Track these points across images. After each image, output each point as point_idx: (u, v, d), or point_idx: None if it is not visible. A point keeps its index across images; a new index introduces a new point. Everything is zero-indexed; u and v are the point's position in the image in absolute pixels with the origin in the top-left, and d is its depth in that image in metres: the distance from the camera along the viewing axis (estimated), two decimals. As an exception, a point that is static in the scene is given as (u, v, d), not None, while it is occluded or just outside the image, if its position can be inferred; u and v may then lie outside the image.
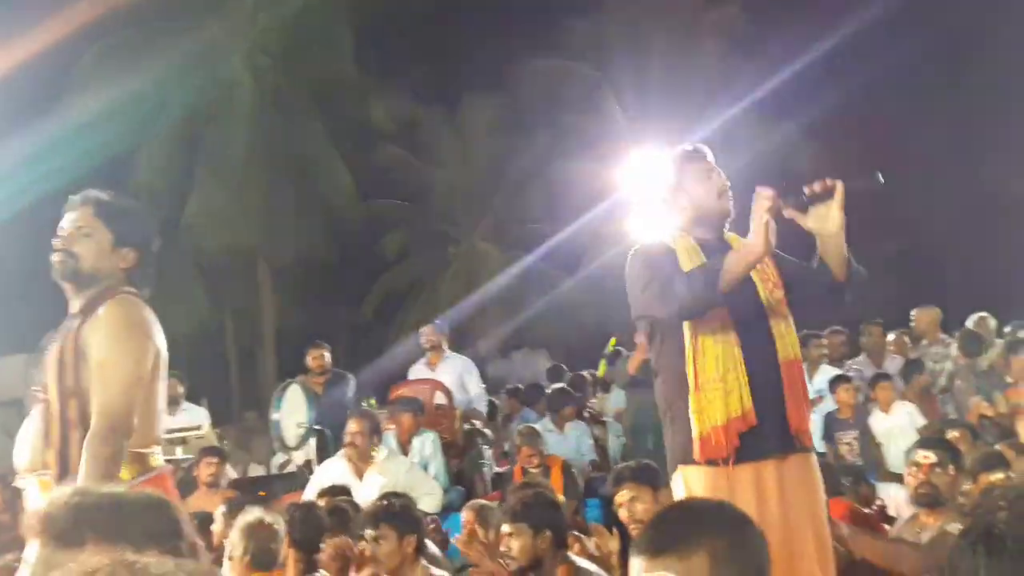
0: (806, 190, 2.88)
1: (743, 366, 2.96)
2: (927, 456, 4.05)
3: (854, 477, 5.88)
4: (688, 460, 2.97)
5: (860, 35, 11.75)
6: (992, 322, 8.18)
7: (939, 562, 3.64)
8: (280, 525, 3.60)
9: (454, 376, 7.42)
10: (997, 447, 4.99)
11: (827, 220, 2.90)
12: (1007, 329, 8.23)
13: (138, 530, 1.80)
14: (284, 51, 14.66)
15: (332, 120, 14.91)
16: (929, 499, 4.04)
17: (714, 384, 2.96)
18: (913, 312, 8.41)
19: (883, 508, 5.18)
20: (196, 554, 1.87)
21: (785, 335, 3.08)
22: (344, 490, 5.03)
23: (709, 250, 3.09)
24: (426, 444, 6.31)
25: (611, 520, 5.07)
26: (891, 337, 8.45)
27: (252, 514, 3.61)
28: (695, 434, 2.95)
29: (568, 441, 7.37)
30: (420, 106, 16.59)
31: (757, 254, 2.88)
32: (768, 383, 2.99)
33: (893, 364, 8.03)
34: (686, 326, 2.98)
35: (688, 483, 2.98)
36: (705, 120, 11.20)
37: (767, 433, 2.96)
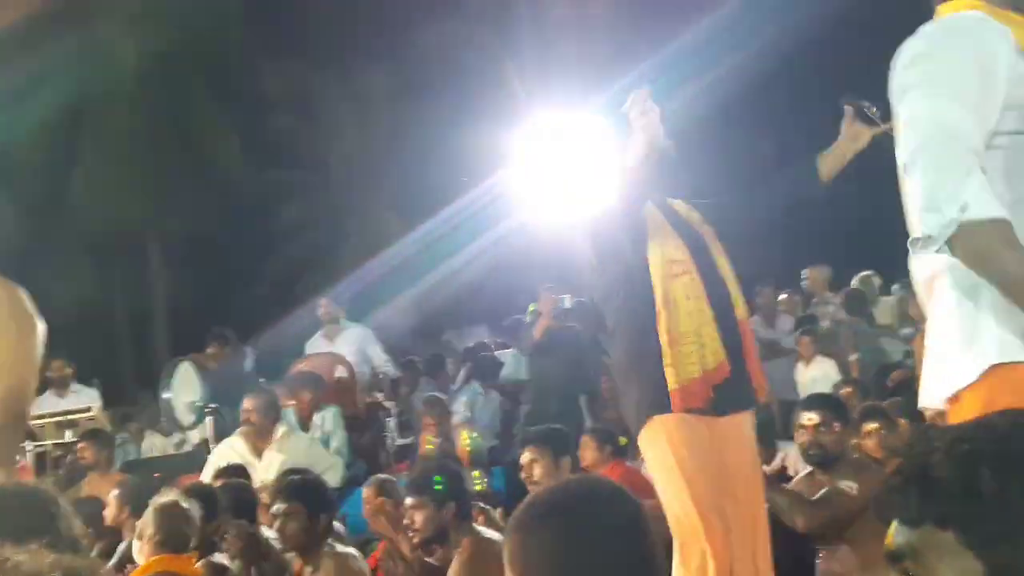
0: (868, 104, 3.13)
1: (713, 320, 3.10)
2: (811, 417, 4.17)
3: (762, 435, 6.02)
4: (663, 410, 3.08)
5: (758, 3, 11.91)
6: (877, 280, 8.48)
7: (831, 515, 3.77)
8: (195, 509, 3.54)
9: (354, 348, 7.34)
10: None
11: (859, 139, 3.21)
12: (895, 287, 8.52)
13: (14, 524, 1.72)
14: (168, 16, 14.14)
15: (221, 89, 14.50)
16: (818, 458, 4.16)
17: (689, 338, 3.08)
18: (805, 271, 8.66)
19: (784, 468, 5.31)
20: (76, 546, 1.80)
21: (738, 297, 3.26)
22: (241, 470, 4.94)
23: (665, 215, 3.28)
24: (327, 419, 6.23)
25: (516, 487, 5.10)
26: (783, 297, 8.70)
27: (166, 496, 3.56)
28: (672, 386, 3.05)
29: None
30: (314, 73, 16.22)
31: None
32: (733, 340, 3.15)
33: (785, 323, 8.25)
34: (657, 284, 3.08)
35: (668, 429, 3.07)
36: (603, 89, 11.21)
37: (737, 387, 3.14)
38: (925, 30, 2.08)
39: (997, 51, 1.98)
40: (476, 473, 5.38)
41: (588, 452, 5.03)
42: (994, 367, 1.96)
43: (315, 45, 15.54)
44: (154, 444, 7.61)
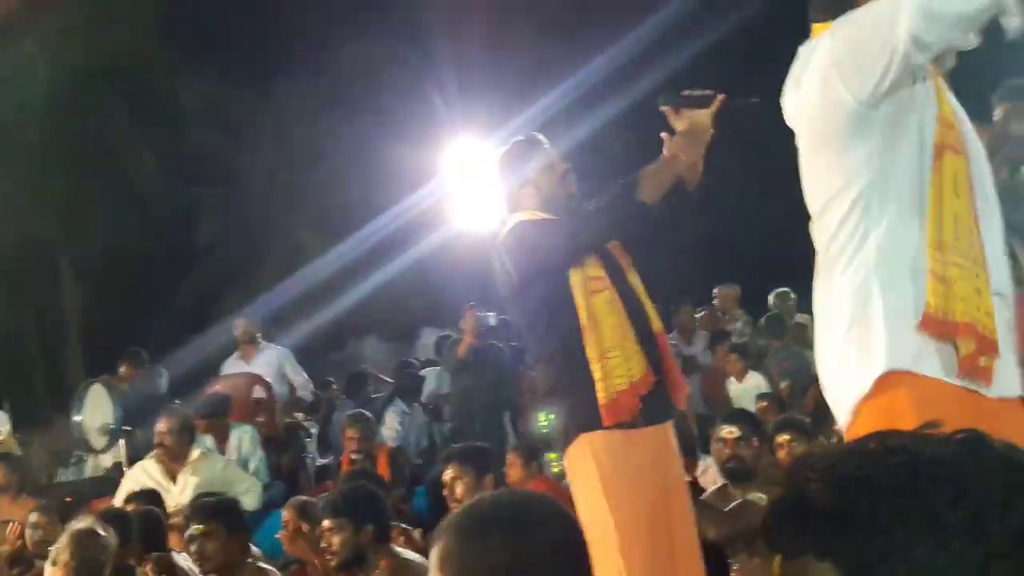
0: (685, 92, 3.12)
1: (633, 333, 3.14)
2: (731, 431, 4.27)
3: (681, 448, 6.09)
4: (591, 427, 3.09)
5: (677, 21, 12.11)
6: (792, 296, 8.70)
7: (740, 527, 3.83)
8: (111, 536, 3.46)
9: (272, 368, 7.24)
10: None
11: (698, 127, 3.11)
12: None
13: None
14: (83, 31, 13.81)
15: (137, 104, 14.19)
16: (736, 471, 4.25)
17: (615, 351, 3.11)
18: (715, 290, 8.89)
19: (695, 481, 5.37)
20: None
21: (652, 311, 3.31)
22: (154, 495, 4.83)
23: None
24: (243, 440, 6.13)
25: (439, 506, 5.08)
26: (699, 315, 8.90)
27: (83, 521, 3.52)
28: (601, 401, 3.07)
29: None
30: (233, 88, 16.00)
31: (679, 163, 3.14)
32: (652, 352, 3.19)
33: (702, 340, 8.43)
34: (580, 301, 3.11)
35: (595, 448, 3.09)
36: (523, 106, 11.27)
37: (659, 398, 3.18)
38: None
39: None
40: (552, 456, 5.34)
41: (514, 469, 5.05)
42: (888, 375, 2.00)
43: (234, 60, 15.34)
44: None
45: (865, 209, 2.07)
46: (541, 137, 3.45)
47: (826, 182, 2.14)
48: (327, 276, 13.38)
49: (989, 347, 2.02)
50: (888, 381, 2.00)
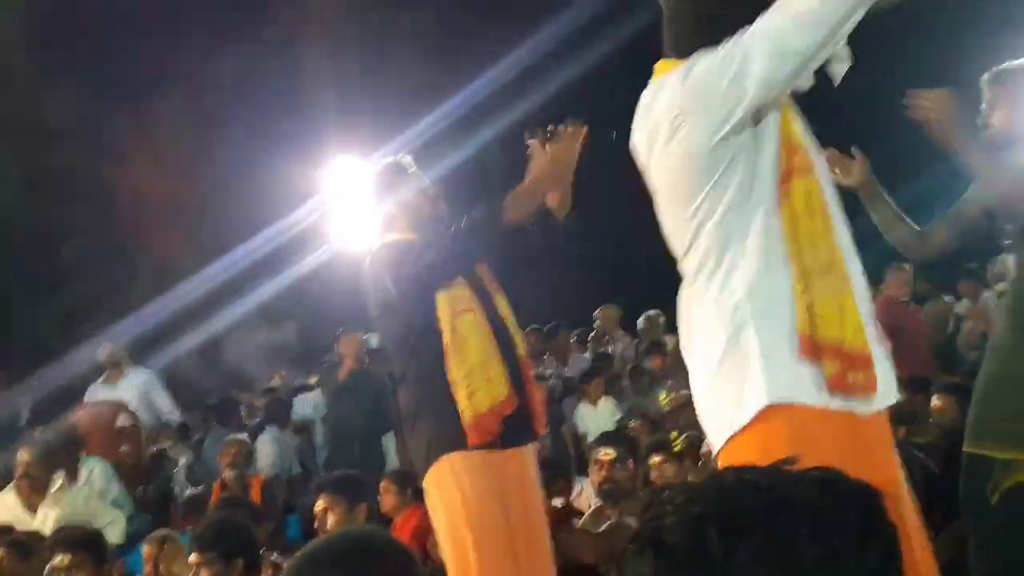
0: (549, 127, 3.21)
1: (499, 355, 3.18)
2: (607, 452, 4.32)
3: (552, 471, 6.13)
4: (452, 448, 3.11)
5: (558, 44, 12.26)
6: (662, 319, 8.88)
7: (613, 550, 3.86)
8: None
9: (138, 393, 7.00)
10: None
11: (561, 160, 3.21)
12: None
13: None
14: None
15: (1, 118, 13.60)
16: (611, 493, 4.29)
17: (479, 372, 3.13)
18: (596, 311, 9.02)
19: (569, 504, 5.40)
20: None
21: (517, 334, 3.36)
22: (9, 528, 4.60)
23: None
24: (95, 473, 5.88)
25: (312, 536, 4.97)
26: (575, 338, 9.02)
27: None
28: (465, 421, 3.09)
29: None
30: (104, 104, 15.48)
31: (545, 184, 3.20)
32: (516, 374, 3.23)
33: (579, 363, 8.52)
34: (445, 322, 3.10)
35: (456, 470, 3.08)
36: (404, 125, 11.24)
37: (522, 421, 3.21)
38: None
39: None
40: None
41: (388, 497, 4.99)
42: (766, 409, 2.01)
43: (105, 75, 14.87)
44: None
45: (728, 243, 2.09)
46: (408, 160, 3.49)
47: (684, 224, 2.16)
48: (200, 295, 13.05)
49: (858, 362, 2.04)
50: (765, 414, 2.01)
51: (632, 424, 6.44)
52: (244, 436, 6.43)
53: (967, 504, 3.06)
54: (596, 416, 7.57)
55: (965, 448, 3.10)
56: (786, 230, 2.06)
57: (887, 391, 2.11)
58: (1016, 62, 3.34)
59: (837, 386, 2.02)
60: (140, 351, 8.09)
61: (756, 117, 2.08)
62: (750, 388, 2.03)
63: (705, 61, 2.09)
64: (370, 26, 15.45)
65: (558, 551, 3.57)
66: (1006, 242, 3.41)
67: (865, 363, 2.05)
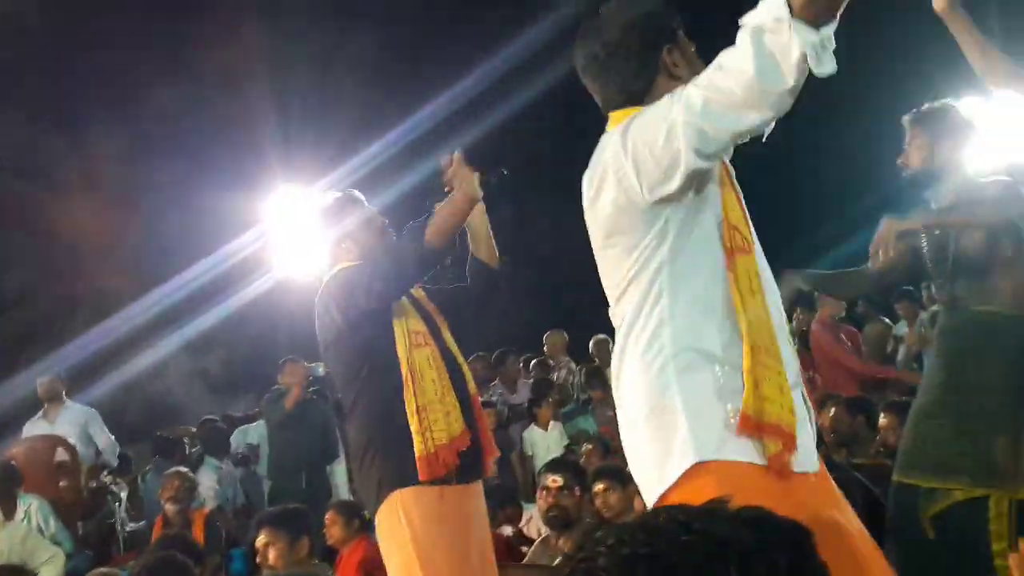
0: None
1: (452, 390, 3.18)
2: (555, 480, 4.31)
3: (501, 498, 6.12)
4: (405, 483, 3.07)
5: (503, 73, 12.34)
6: (610, 344, 8.93)
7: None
8: None
9: (76, 428, 6.85)
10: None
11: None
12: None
13: None
14: None
15: (-68, 146, 13.32)
16: (559, 521, 4.28)
17: (435, 405, 3.11)
18: (545, 335, 9.08)
19: (520, 532, 5.39)
20: None
21: (467, 370, 3.36)
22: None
23: None
24: (32, 511, 5.75)
25: (257, 570, 4.89)
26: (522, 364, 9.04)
27: None
28: (418, 454, 3.05)
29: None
30: (40, 133, 15.23)
31: (467, 199, 3.19)
32: (468, 410, 3.23)
33: (526, 389, 8.54)
34: (402, 354, 3.10)
35: (407, 505, 3.03)
36: (348, 155, 11.22)
37: (474, 457, 3.20)
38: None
39: None
40: None
41: (335, 528, 4.92)
42: (694, 467, 2.01)
43: (42, 103, 14.65)
44: None
45: (659, 298, 2.10)
46: (358, 194, 3.50)
47: (618, 273, 2.16)
48: (141, 324, 12.85)
49: (791, 443, 2.06)
50: (692, 472, 2.01)
51: (585, 448, 6.43)
52: (185, 469, 6.32)
53: (894, 530, 3.17)
54: (546, 439, 7.58)
55: (894, 477, 3.23)
56: (736, 305, 2.08)
57: (806, 461, 2.13)
58: (934, 104, 3.51)
59: (776, 465, 2.03)
60: (79, 382, 7.93)
61: (697, 180, 2.09)
62: (678, 446, 2.03)
63: (644, 118, 2.10)
64: (314, 53, 15.41)
65: None
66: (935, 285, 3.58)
67: (793, 444, 2.07)
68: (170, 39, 14.99)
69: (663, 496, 2.04)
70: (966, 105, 3.58)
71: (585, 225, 2.27)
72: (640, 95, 2.19)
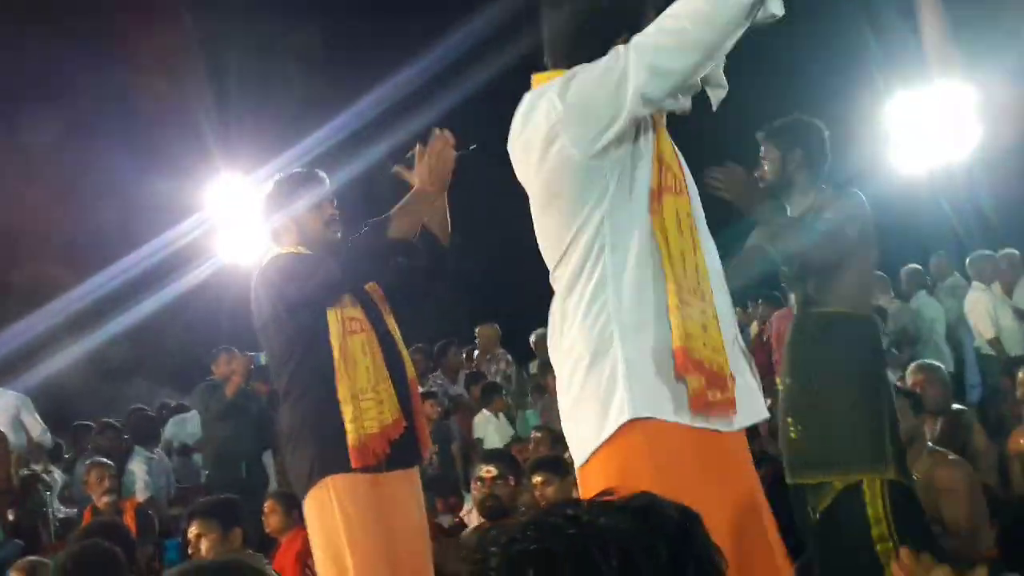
0: (409, 153, 3.22)
1: (388, 378, 3.14)
2: (489, 470, 4.35)
3: (441, 488, 6.14)
4: (337, 470, 3.03)
5: (447, 62, 12.29)
6: None
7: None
8: None
9: (7, 415, 6.72)
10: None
11: (420, 158, 3.21)
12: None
13: None
14: None
15: None
16: (493, 511, 4.31)
17: (368, 394, 3.08)
18: (477, 329, 9.12)
19: (461, 520, 5.42)
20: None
21: (407, 356, 3.34)
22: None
23: None
24: None
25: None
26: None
27: None
28: (350, 443, 3.02)
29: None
30: (-28, 114, 14.85)
31: (428, 192, 3.17)
32: (404, 397, 3.21)
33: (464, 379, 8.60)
34: (335, 340, 3.06)
35: (339, 492, 3.01)
36: (289, 142, 11.10)
37: (408, 444, 3.19)
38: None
39: None
40: None
41: (273, 517, 4.90)
42: (626, 424, 2.03)
43: (-26, 84, 14.30)
44: None
45: (600, 255, 2.10)
46: (320, 174, 3.39)
47: (559, 235, 2.16)
48: (77, 312, 12.62)
49: (717, 381, 2.08)
50: (625, 429, 2.03)
51: (534, 436, 6.42)
52: (104, 460, 6.21)
53: (802, 530, 3.32)
54: (500, 428, 7.61)
55: (787, 481, 3.38)
56: (660, 246, 2.09)
57: (748, 412, 2.17)
58: (787, 119, 3.70)
59: (698, 404, 2.05)
60: (10, 370, 7.78)
61: (634, 132, 2.11)
62: (615, 403, 2.05)
63: (584, 74, 2.11)
64: (255, 40, 15.22)
65: (437, 565, 3.58)
66: (783, 283, 3.84)
67: (723, 383, 2.09)
68: (107, 23, 14.71)
69: (596, 452, 2.06)
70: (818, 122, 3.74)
71: (520, 212, 2.31)
72: (572, 64, 2.18)
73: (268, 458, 7.25)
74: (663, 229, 2.09)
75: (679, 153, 2.25)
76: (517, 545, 1.02)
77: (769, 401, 2.75)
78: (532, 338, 8.92)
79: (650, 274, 2.09)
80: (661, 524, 1.03)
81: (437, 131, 3.22)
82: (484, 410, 7.83)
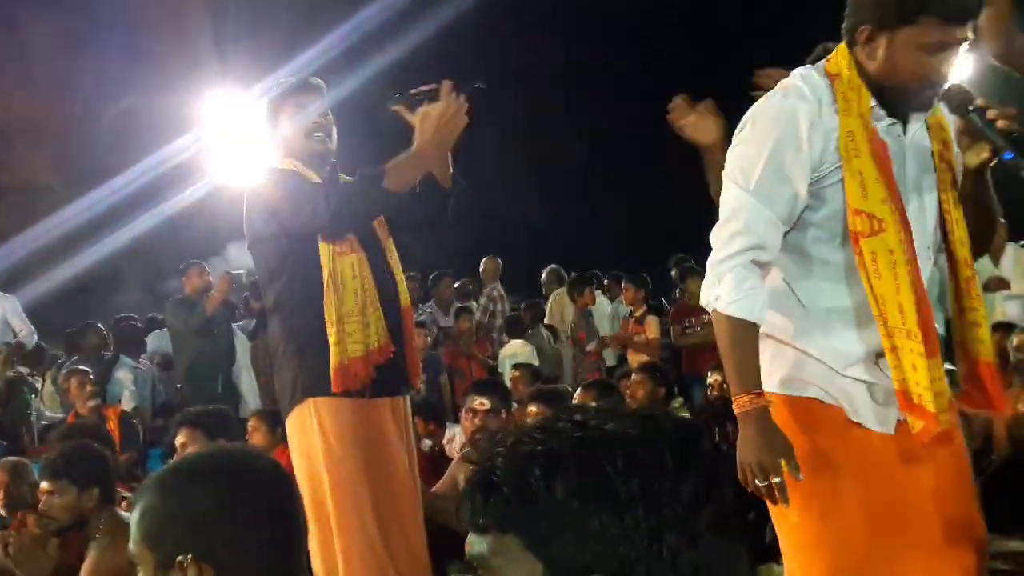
0: (412, 91, 2.99)
1: (378, 302, 3.05)
2: (482, 402, 4.29)
3: (426, 414, 6.13)
4: (320, 392, 2.99)
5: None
6: (561, 272, 9.31)
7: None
8: None
9: (-5, 318, 6.68)
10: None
11: (427, 118, 2.97)
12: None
13: None
14: None
15: None
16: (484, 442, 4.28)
17: (355, 317, 3.01)
18: (482, 261, 9.16)
19: (442, 448, 5.40)
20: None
21: (402, 283, 3.24)
22: None
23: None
24: None
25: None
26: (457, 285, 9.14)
27: None
28: (333, 365, 2.96)
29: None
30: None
31: (428, 155, 2.97)
32: (394, 323, 3.12)
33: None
34: (325, 261, 2.98)
35: (320, 414, 2.99)
36: (286, 57, 10.88)
37: (396, 371, 3.11)
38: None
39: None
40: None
41: (257, 435, 4.89)
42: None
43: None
44: None
45: None
46: (313, 81, 3.28)
47: None
48: (75, 224, 12.52)
49: None
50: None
51: (512, 375, 6.41)
52: (84, 368, 6.19)
53: None
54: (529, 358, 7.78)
55: None
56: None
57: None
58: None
59: None
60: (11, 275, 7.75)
61: None
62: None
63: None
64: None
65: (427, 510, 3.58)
66: None
67: None
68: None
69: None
70: None
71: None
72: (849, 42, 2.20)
73: (244, 372, 7.26)
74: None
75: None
76: (523, 446, 1.01)
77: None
78: (544, 274, 9.18)
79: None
80: (667, 431, 1.03)
81: (448, 87, 2.96)
82: (512, 341, 7.94)
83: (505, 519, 0.99)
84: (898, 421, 2.21)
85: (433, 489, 4.11)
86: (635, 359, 7.46)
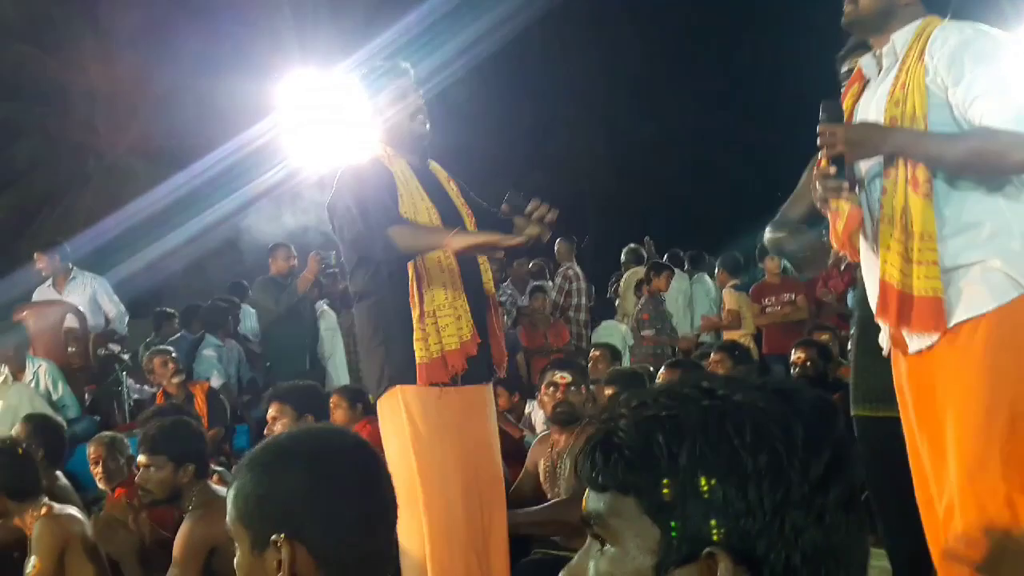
0: (522, 196, 3.13)
1: (464, 294, 3.07)
2: (563, 376, 4.28)
3: (510, 385, 6.15)
4: (407, 381, 3.02)
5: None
6: (641, 250, 9.34)
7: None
8: None
9: (86, 297, 6.85)
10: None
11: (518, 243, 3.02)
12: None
13: None
14: None
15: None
16: (565, 416, 4.28)
17: (445, 310, 3.03)
18: (556, 241, 9.21)
19: (522, 436, 5.42)
20: None
21: (486, 269, 3.24)
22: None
23: (420, 177, 3.16)
24: (40, 374, 5.81)
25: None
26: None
27: None
28: (421, 358, 3.00)
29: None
30: (55, 3, 14.96)
31: (446, 245, 2.97)
32: (480, 312, 3.13)
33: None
34: None
35: (407, 401, 3.03)
36: (367, 37, 10.93)
37: (482, 360, 3.12)
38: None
39: None
40: None
41: (338, 412, 4.96)
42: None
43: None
44: None
45: None
46: (403, 64, 3.28)
47: None
48: (160, 207, 12.76)
49: None
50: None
51: (595, 353, 6.39)
52: (166, 347, 6.34)
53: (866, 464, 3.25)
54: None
55: (852, 413, 3.27)
56: None
57: None
58: None
59: None
60: (87, 256, 7.94)
61: None
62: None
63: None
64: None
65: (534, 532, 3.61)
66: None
67: None
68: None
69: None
70: None
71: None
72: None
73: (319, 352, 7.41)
74: None
75: None
76: (647, 410, 0.99)
77: None
78: (624, 253, 9.17)
79: None
80: (800, 406, 0.99)
81: (536, 231, 3.04)
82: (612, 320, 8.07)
83: (626, 481, 0.98)
84: None
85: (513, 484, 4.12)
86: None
